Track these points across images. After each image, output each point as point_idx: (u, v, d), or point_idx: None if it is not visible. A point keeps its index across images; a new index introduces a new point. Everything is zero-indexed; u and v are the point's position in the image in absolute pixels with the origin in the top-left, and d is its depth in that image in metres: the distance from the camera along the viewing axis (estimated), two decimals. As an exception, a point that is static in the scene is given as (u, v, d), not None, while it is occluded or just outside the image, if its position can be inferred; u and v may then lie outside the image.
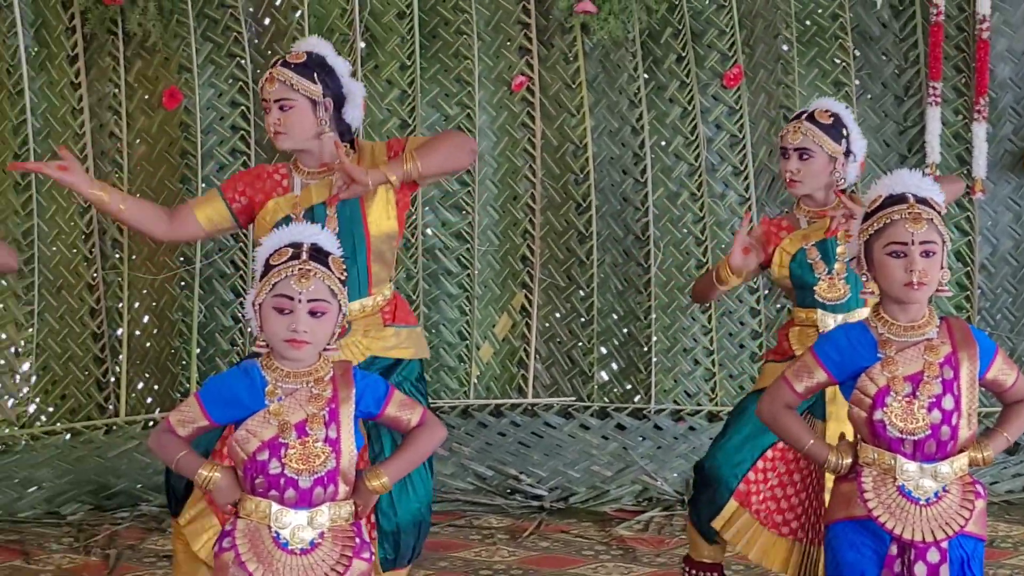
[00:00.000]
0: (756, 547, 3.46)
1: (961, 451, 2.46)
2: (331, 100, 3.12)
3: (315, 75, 3.09)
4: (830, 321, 3.47)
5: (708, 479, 3.56)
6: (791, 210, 3.63)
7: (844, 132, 3.43)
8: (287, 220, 3.06)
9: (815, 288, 3.44)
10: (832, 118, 3.43)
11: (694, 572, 3.70)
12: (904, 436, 2.41)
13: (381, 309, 3.03)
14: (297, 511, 2.27)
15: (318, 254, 2.25)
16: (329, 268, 2.26)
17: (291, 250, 2.25)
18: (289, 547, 2.25)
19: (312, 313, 2.22)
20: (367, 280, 2.93)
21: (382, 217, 3.18)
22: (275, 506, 2.27)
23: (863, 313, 3.00)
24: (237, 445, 2.32)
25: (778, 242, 3.52)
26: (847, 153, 3.42)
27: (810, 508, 3.46)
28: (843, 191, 3.50)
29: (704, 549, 3.67)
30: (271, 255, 2.26)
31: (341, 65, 3.23)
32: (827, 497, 3.10)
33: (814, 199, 3.46)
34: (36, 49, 4.88)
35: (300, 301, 2.21)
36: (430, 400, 4.18)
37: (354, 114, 3.25)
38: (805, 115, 3.44)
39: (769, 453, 3.44)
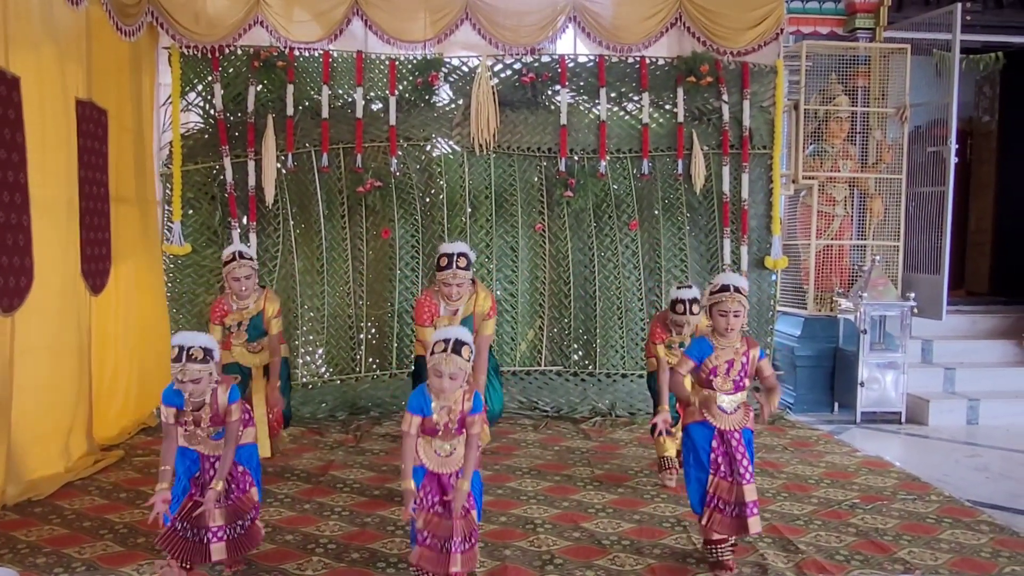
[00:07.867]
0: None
1: (743, 392, 3.35)
2: (471, 273, 4.53)
3: (468, 265, 4.55)
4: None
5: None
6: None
7: None
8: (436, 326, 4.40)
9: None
10: None
11: (663, 461, 4.77)
12: (722, 387, 3.29)
13: None
14: (443, 442, 3.09)
15: (458, 344, 2.93)
16: (462, 354, 2.92)
17: (444, 344, 2.95)
18: (439, 454, 3.10)
19: (451, 379, 2.97)
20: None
21: (484, 328, 4.73)
22: (435, 440, 3.07)
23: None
24: (426, 421, 3.00)
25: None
26: None
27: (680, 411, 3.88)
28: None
29: (666, 448, 4.76)
30: (435, 343, 2.99)
31: (472, 255, 4.60)
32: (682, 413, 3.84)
33: None
34: (327, 212, 6.62)
35: (444, 372, 2.92)
36: (501, 367, 5.81)
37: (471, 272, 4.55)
38: None
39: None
